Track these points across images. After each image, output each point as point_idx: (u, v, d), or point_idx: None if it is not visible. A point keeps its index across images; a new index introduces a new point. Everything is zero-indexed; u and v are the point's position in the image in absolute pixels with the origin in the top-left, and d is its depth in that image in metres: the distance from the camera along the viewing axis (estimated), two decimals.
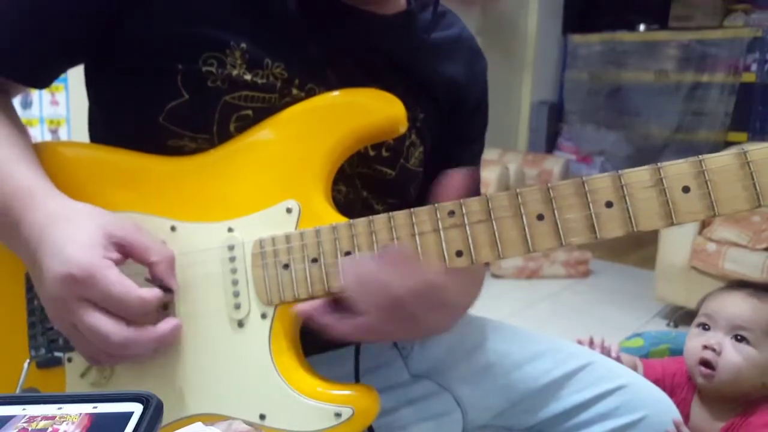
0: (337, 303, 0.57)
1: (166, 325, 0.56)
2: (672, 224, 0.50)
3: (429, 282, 0.53)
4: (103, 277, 0.51)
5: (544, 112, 4.13)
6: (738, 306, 1.19)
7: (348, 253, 0.56)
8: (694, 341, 1.19)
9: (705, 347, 1.15)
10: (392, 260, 0.54)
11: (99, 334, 0.52)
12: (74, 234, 0.53)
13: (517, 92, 4.04)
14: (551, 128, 4.20)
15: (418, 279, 0.53)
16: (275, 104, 0.63)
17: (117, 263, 0.54)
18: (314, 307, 0.57)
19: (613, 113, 3.97)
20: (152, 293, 0.54)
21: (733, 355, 1.13)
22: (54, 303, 0.53)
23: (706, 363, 1.15)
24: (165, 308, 0.59)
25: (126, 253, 0.55)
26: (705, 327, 1.21)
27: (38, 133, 2.21)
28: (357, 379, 0.64)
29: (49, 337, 0.61)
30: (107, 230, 0.54)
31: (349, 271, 0.56)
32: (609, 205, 0.51)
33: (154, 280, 0.57)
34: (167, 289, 0.57)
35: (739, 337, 1.16)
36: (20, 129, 0.63)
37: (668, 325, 2.50)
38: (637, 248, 3.25)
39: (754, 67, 3.45)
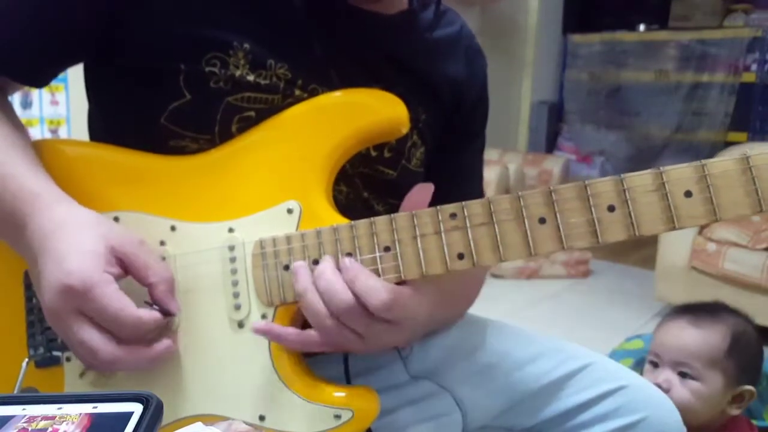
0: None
1: (159, 346, 0.55)
2: (674, 228, 0.50)
3: (381, 304, 0.53)
4: (100, 293, 0.51)
5: (544, 112, 4.12)
6: (679, 339, 1.20)
7: (349, 254, 0.56)
8: (646, 378, 1.21)
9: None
10: (348, 277, 0.53)
11: (89, 348, 0.52)
12: (77, 244, 0.52)
13: (517, 92, 4.03)
14: (551, 128, 4.19)
15: (370, 299, 0.53)
16: (278, 105, 0.62)
17: (117, 278, 0.53)
18: (270, 326, 0.56)
19: (613, 113, 3.96)
20: (150, 315, 0.53)
21: (681, 393, 1.14)
22: (50, 311, 0.53)
23: None
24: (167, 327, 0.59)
25: (126, 268, 0.55)
26: (655, 364, 1.22)
27: (38, 133, 2.20)
28: (348, 381, 0.64)
29: (48, 336, 0.61)
30: (110, 243, 0.53)
31: (303, 279, 0.55)
32: (611, 209, 0.51)
33: (154, 302, 0.55)
34: (168, 312, 0.56)
35: (683, 373, 1.17)
36: (19, 128, 0.63)
37: None
38: (637, 248, 3.25)
39: (754, 67, 3.45)
